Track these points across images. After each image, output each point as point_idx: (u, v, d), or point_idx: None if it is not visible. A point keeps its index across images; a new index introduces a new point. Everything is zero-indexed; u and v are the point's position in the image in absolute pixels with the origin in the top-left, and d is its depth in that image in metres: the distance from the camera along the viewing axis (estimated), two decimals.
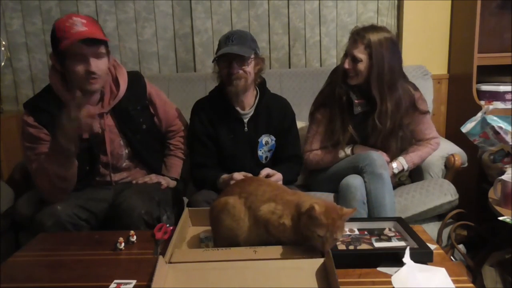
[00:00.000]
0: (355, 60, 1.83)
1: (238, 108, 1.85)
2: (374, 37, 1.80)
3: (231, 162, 1.84)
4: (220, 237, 1.30)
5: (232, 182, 1.66)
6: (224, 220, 1.26)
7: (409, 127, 1.96)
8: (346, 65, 1.86)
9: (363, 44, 1.81)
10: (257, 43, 1.83)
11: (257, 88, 1.89)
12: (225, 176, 1.75)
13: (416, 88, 1.98)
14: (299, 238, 1.20)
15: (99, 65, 1.63)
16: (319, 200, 1.20)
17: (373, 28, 1.84)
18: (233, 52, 1.71)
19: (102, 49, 1.63)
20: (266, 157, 1.90)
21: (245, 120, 1.86)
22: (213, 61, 1.82)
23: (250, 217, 1.24)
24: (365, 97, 1.90)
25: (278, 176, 1.74)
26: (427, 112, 2.01)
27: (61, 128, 1.48)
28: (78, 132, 1.53)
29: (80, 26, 1.57)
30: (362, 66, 1.83)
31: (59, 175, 1.58)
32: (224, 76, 1.79)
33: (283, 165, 1.85)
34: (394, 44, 1.85)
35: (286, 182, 1.78)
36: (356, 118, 1.91)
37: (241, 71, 1.75)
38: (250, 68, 1.77)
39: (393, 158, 1.95)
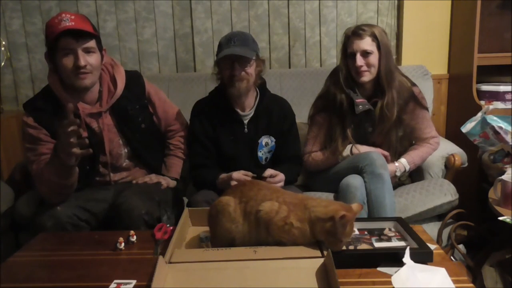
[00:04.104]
0: (365, 55, 1.83)
1: (238, 110, 1.85)
2: (374, 29, 1.85)
3: (231, 163, 1.84)
4: (217, 237, 1.30)
5: (232, 182, 1.67)
6: (222, 221, 1.26)
7: (410, 124, 1.97)
8: (359, 62, 1.83)
9: (370, 37, 1.83)
10: (257, 44, 1.83)
11: (257, 89, 1.89)
12: (223, 175, 1.75)
13: (413, 84, 1.99)
14: (305, 240, 1.20)
15: (88, 59, 1.63)
16: (341, 206, 1.21)
17: (367, 24, 1.88)
18: (235, 53, 1.70)
19: (92, 44, 1.63)
20: (266, 158, 1.90)
21: (245, 121, 1.86)
22: (215, 63, 1.81)
23: (249, 222, 1.24)
24: (366, 96, 1.90)
25: (280, 177, 1.75)
26: (427, 108, 2.02)
27: (60, 143, 1.47)
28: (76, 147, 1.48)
29: (67, 21, 1.58)
30: (374, 58, 1.84)
31: (60, 184, 1.58)
32: (226, 77, 1.78)
33: (283, 165, 1.85)
34: (386, 34, 1.92)
35: (287, 182, 1.79)
36: (356, 118, 1.91)
37: (243, 73, 1.74)
38: (251, 69, 1.77)
39: (392, 157, 1.95)
